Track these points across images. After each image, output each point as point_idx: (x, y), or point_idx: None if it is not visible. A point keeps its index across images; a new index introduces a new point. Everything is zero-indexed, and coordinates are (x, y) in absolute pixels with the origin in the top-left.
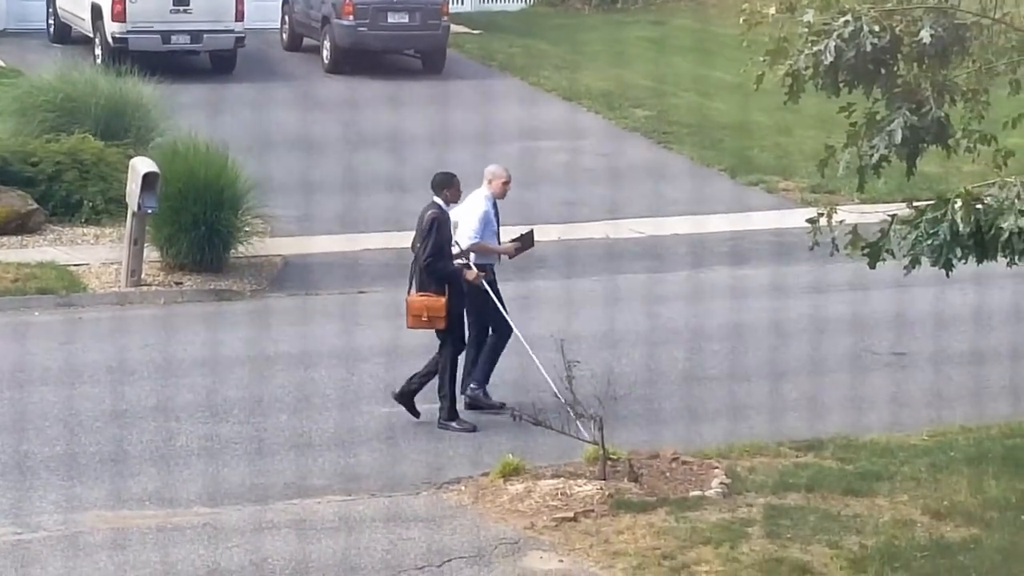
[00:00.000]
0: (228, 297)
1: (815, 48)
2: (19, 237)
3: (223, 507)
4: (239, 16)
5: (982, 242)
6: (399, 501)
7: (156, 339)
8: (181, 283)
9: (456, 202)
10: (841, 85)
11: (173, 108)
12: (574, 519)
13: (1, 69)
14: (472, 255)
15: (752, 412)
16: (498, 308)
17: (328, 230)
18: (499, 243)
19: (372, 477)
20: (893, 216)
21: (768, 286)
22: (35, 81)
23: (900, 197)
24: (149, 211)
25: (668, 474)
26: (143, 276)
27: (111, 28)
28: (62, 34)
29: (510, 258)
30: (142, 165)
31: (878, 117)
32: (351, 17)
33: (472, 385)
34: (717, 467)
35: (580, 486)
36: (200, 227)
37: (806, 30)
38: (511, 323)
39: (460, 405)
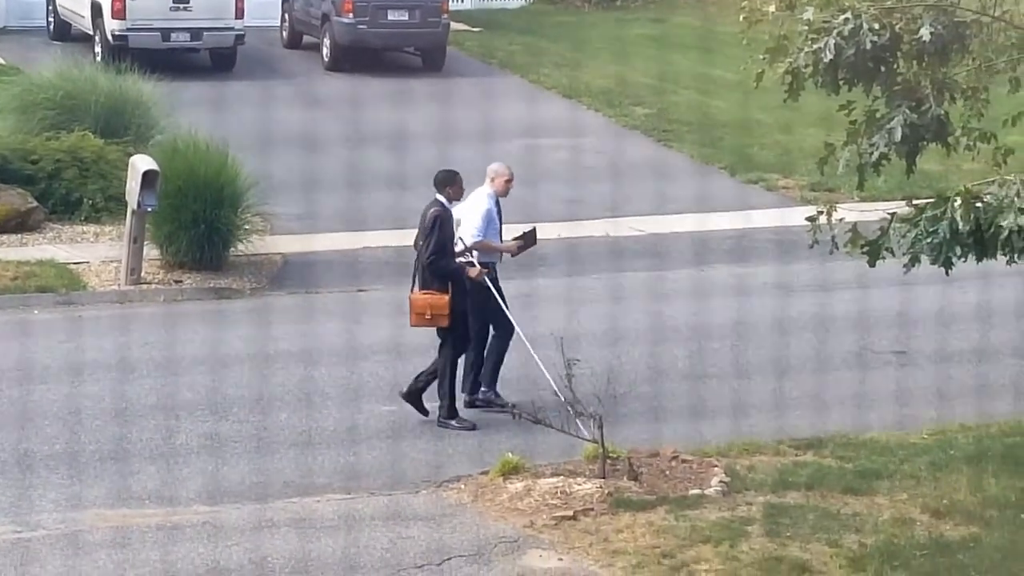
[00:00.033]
0: (228, 295)
1: (815, 46)
2: (19, 235)
3: (223, 505)
4: (239, 14)
5: (982, 240)
6: (399, 499)
7: (156, 337)
8: (181, 281)
9: (459, 199)
10: (841, 83)
11: (173, 106)
12: (574, 517)
13: (1, 67)
14: (475, 253)
15: (752, 410)
16: (500, 306)
17: (328, 228)
18: (502, 241)
19: (372, 475)
20: (893, 214)
21: (768, 284)
22: (35, 79)
23: (900, 195)
24: (149, 209)
25: (668, 472)
26: (143, 274)
27: (111, 25)
28: (62, 32)
29: (512, 256)
30: (142, 163)
31: (878, 115)
32: (351, 15)
33: (483, 389)
34: (717, 465)
35: (580, 484)
36: (200, 225)
37: (806, 28)
38: (513, 321)
39: (460, 403)
